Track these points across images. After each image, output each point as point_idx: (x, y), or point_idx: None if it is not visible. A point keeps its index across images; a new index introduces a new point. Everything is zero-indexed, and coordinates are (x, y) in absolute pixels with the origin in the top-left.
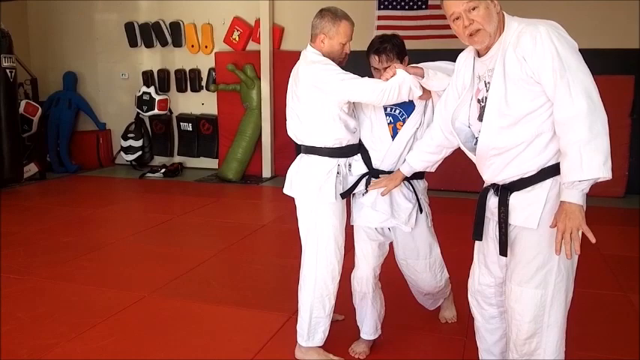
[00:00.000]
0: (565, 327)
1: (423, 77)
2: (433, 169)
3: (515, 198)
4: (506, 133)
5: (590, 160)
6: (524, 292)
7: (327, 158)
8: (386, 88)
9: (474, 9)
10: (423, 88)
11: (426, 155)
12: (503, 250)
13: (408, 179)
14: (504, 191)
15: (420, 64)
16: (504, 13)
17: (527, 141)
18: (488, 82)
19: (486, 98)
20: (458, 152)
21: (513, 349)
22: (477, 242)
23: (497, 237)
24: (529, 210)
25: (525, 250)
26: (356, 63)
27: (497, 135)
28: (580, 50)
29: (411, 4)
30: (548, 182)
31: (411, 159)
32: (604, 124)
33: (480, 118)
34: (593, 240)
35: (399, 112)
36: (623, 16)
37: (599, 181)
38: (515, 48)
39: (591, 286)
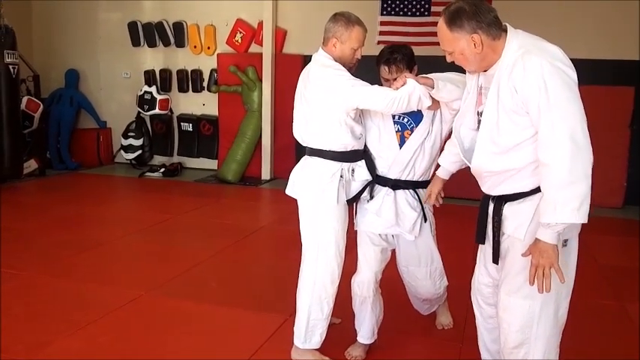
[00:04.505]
0: (557, 341)
1: (433, 88)
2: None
3: (508, 208)
4: (499, 158)
5: (564, 205)
6: (512, 302)
7: (331, 162)
8: (396, 96)
9: (450, 54)
10: (432, 99)
11: (455, 157)
12: (495, 258)
13: (413, 188)
14: (499, 201)
15: (430, 75)
16: (509, 27)
17: (519, 167)
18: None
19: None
20: None
21: (502, 358)
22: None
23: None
24: (518, 221)
25: (515, 261)
26: (358, 68)
27: (489, 160)
28: (580, 61)
29: (413, 10)
30: (538, 196)
31: (443, 161)
32: (585, 167)
33: (478, 128)
34: (562, 280)
35: (407, 121)
36: (624, 28)
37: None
38: (509, 78)
39: (588, 296)
